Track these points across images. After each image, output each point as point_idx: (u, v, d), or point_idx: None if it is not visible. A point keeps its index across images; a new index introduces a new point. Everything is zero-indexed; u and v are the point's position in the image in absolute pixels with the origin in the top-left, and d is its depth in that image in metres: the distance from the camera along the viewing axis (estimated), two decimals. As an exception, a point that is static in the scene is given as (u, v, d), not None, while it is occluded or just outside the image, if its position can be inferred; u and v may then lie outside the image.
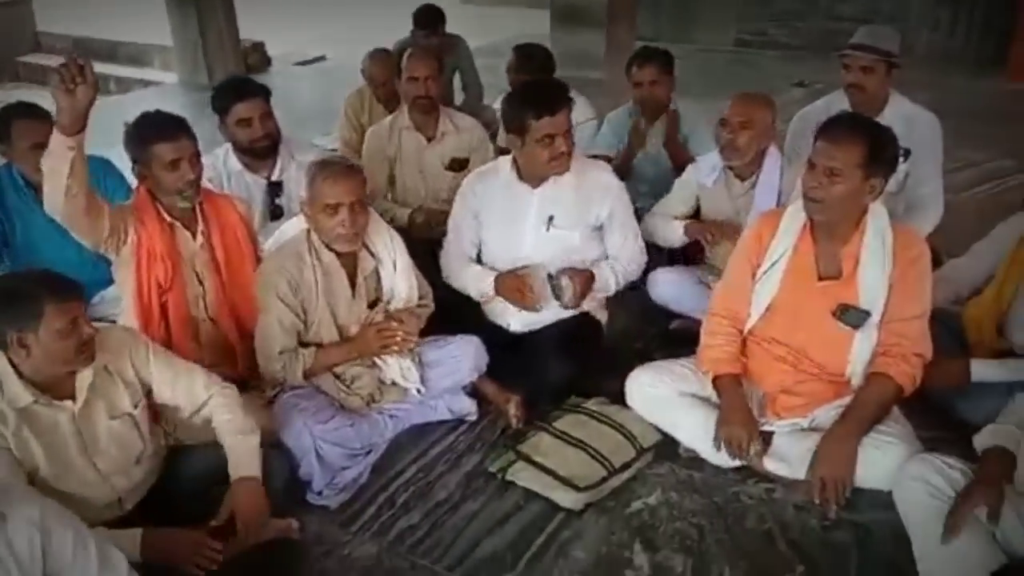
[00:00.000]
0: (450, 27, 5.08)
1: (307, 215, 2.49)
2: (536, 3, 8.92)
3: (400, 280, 2.68)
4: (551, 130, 2.63)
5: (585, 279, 2.77)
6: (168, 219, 2.50)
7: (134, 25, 9.51)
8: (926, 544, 1.98)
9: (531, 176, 2.79)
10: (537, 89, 2.72)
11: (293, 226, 2.67)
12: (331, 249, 2.52)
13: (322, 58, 8.55)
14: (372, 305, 2.67)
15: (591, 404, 2.68)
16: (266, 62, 8.15)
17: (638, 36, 6.15)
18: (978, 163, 4.86)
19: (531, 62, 3.93)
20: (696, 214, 3.20)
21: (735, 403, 2.42)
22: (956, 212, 3.85)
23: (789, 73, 6.99)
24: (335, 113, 4.72)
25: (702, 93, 5.44)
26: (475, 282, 2.89)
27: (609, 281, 2.85)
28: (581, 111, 4.07)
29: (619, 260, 2.88)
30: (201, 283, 2.58)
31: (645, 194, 3.71)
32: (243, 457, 2.20)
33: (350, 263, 2.58)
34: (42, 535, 1.59)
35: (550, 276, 2.78)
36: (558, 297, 2.78)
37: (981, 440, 2.06)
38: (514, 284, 2.79)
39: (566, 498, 2.36)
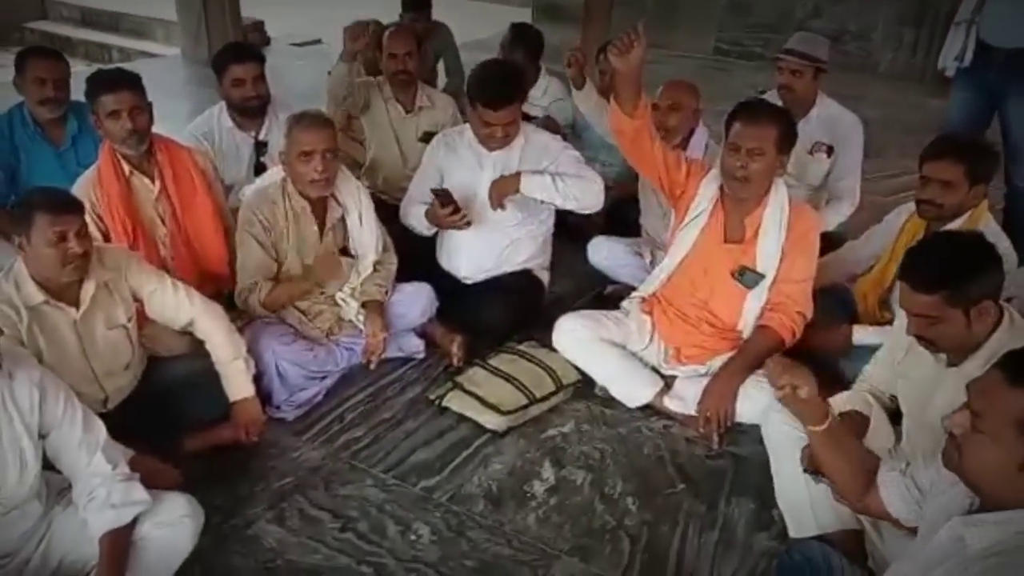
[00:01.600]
0: (438, 18, 5.41)
1: (284, 163, 2.83)
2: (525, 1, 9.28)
3: (365, 231, 3.00)
4: (492, 120, 2.96)
5: (502, 183, 3.01)
6: (126, 169, 2.81)
7: (138, -2, 9.81)
8: (780, 462, 2.34)
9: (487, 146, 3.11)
10: (486, 83, 2.98)
11: (271, 175, 3.02)
12: (304, 196, 2.85)
13: (318, 41, 8.87)
14: (339, 252, 2.99)
15: (523, 346, 3.05)
16: (265, 41, 8.45)
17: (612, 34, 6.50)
18: (912, 171, 5.22)
19: (521, 41, 4.35)
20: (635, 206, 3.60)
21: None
22: (881, 210, 4.20)
23: (755, 81, 7.36)
24: (324, 95, 5.04)
25: (671, 93, 5.78)
26: (418, 216, 3.20)
27: (539, 184, 2.99)
28: (553, 91, 4.46)
29: (568, 177, 3.01)
30: (164, 224, 2.90)
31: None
32: (236, 381, 2.59)
33: (320, 210, 2.91)
34: (40, 393, 1.94)
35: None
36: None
37: (837, 404, 2.31)
38: (433, 211, 3.07)
39: (491, 420, 2.73)
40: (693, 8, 8.43)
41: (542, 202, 3.12)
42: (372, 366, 2.97)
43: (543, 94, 4.48)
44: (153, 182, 2.87)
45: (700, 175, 2.82)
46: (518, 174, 3.03)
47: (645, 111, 2.72)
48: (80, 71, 3.42)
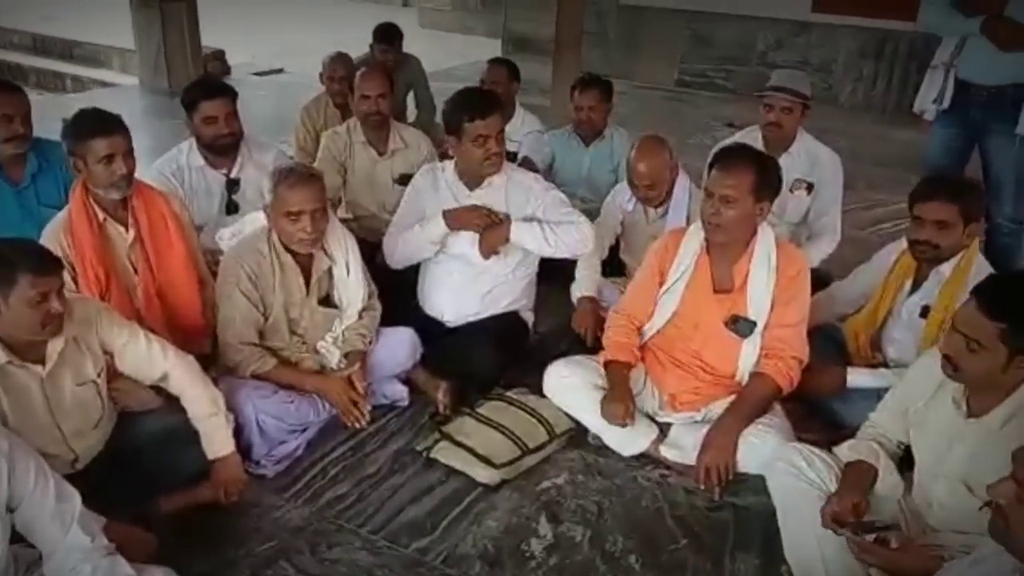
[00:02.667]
0: (409, 50, 5.36)
1: (270, 218, 2.71)
2: (494, 32, 9.27)
3: (352, 281, 2.89)
4: (484, 131, 2.89)
5: (492, 234, 2.96)
6: (100, 215, 2.67)
7: (95, 26, 9.61)
8: (788, 517, 2.28)
9: (469, 176, 3.04)
10: (471, 94, 2.98)
11: (254, 221, 2.88)
12: (289, 250, 2.73)
13: (280, 71, 8.76)
14: (323, 302, 2.88)
15: (512, 393, 2.95)
16: (226, 71, 8.34)
17: (585, 69, 6.52)
18: (885, 203, 5.29)
19: (499, 73, 4.39)
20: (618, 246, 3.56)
21: (618, 384, 2.70)
22: (859, 245, 4.23)
23: (723, 114, 7.42)
24: (289, 124, 4.95)
25: (643, 127, 5.80)
26: (421, 235, 3.06)
27: (528, 234, 2.96)
28: (529, 124, 4.43)
29: (556, 225, 2.98)
30: (137, 273, 2.75)
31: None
32: (215, 437, 2.45)
33: (306, 263, 2.79)
34: (8, 464, 1.79)
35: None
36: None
37: (842, 454, 2.30)
38: (466, 212, 2.99)
39: (483, 474, 2.62)
40: (656, 40, 8.51)
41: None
42: (361, 424, 2.84)
43: (520, 125, 4.43)
44: (127, 229, 2.73)
45: (676, 239, 2.79)
46: (507, 224, 2.97)
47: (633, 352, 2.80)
48: (33, 100, 3.26)
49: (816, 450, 2.35)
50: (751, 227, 2.64)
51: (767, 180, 2.58)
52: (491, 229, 2.97)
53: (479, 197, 3.04)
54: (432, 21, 11.41)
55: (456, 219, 3.01)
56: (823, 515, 2.08)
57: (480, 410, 2.86)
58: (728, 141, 3.77)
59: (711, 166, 2.63)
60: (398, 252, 3.17)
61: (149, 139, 5.92)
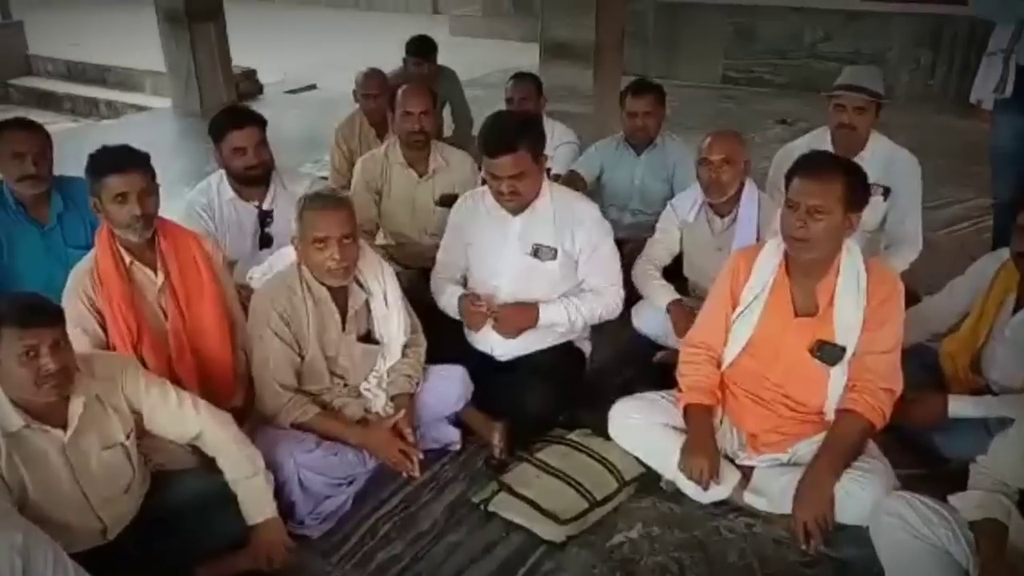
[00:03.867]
0: (441, 59, 5.15)
1: (297, 249, 2.51)
2: (527, 37, 9.05)
3: (392, 315, 2.68)
4: (494, 171, 2.67)
5: (518, 313, 2.78)
6: (127, 259, 2.49)
7: (126, 49, 9.59)
8: (901, 579, 2.01)
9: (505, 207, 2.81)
10: (489, 129, 2.72)
11: (285, 256, 2.69)
12: (322, 283, 2.53)
13: (312, 87, 8.62)
14: (363, 339, 2.68)
15: (574, 436, 2.71)
16: (257, 90, 8.21)
17: (626, 72, 6.25)
18: (958, 201, 4.96)
19: (527, 88, 4.13)
20: (679, 258, 3.27)
21: (700, 432, 2.45)
22: (935, 249, 3.93)
23: (772, 110, 7.11)
24: (323, 142, 4.77)
25: (688, 128, 5.52)
26: (450, 301, 2.91)
27: (558, 318, 2.80)
28: (560, 135, 4.19)
29: (585, 299, 2.83)
30: (167, 319, 2.57)
31: (630, 225, 3.80)
32: (254, 501, 2.26)
33: (341, 297, 2.59)
34: (23, 561, 1.60)
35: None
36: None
37: (967, 510, 2.01)
38: (462, 307, 2.84)
39: (548, 531, 2.38)
40: (697, 37, 8.22)
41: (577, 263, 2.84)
42: (413, 475, 2.60)
43: (549, 138, 4.18)
44: (156, 273, 2.55)
45: (750, 258, 2.52)
46: (535, 307, 2.79)
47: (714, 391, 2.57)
48: (67, 128, 3.10)
49: (926, 499, 2.07)
50: (838, 242, 2.36)
51: (857, 189, 2.31)
52: (517, 309, 2.79)
53: (524, 220, 2.81)
54: (463, 28, 11.21)
55: (463, 315, 2.86)
56: None
57: (540, 455, 2.62)
58: (796, 144, 3.52)
59: (792, 174, 2.36)
60: (441, 302, 2.97)
61: (184, 162, 5.82)
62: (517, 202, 2.74)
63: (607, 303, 2.85)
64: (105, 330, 2.51)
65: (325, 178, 4.53)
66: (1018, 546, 1.95)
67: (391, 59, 5.19)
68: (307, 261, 2.50)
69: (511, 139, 2.63)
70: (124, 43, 9.94)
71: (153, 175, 2.50)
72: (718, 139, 2.98)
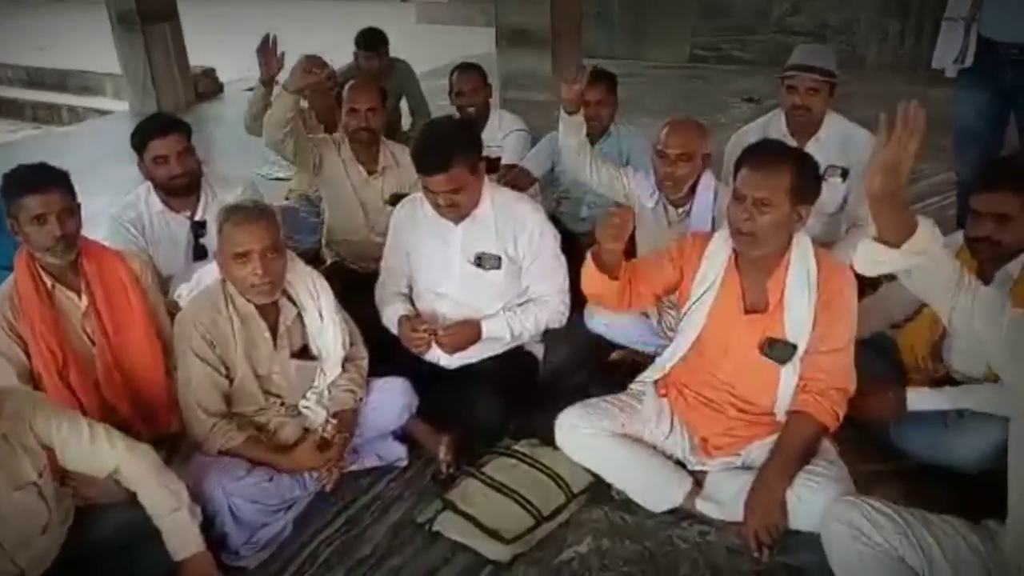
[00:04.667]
0: (405, 48, 5.01)
1: (219, 264, 2.40)
2: (491, 22, 8.86)
3: (328, 328, 2.57)
4: (430, 186, 2.56)
5: (461, 333, 2.68)
6: (48, 282, 2.39)
7: (88, 53, 9.38)
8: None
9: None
10: (421, 146, 2.59)
11: (212, 271, 2.58)
12: (248, 300, 2.42)
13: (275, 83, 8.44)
14: (298, 354, 2.57)
15: (521, 446, 2.60)
16: (217, 88, 8.03)
17: (589, 54, 6.10)
18: (925, 176, 4.85)
19: (473, 80, 3.99)
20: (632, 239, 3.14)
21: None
22: (903, 227, 3.82)
23: (740, 88, 6.98)
24: (287, 138, 4.61)
25: (657, 110, 5.41)
26: (392, 319, 2.81)
27: (501, 332, 2.71)
28: (508, 123, 4.07)
29: (528, 310, 2.73)
30: (94, 344, 2.46)
31: (586, 218, 3.71)
32: (177, 537, 2.15)
33: (271, 313, 2.47)
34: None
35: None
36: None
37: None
38: (403, 331, 2.75)
39: (492, 550, 2.28)
40: (663, 15, 8.04)
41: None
42: (328, 488, 2.51)
43: (499, 127, 4.06)
44: (80, 296, 2.43)
45: (701, 246, 2.41)
46: (477, 325, 2.69)
47: (624, 270, 2.40)
48: (29, 135, 2.99)
49: (878, 504, 1.98)
50: (787, 236, 2.26)
51: (806, 180, 2.20)
52: (459, 327, 2.69)
53: (466, 229, 2.69)
54: (430, 16, 11.02)
55: (400, 332, 2.76)
56: None
57: (485, 470, 2.52)
58: (749, 128, 3.41)
59: (739, 165, 2.25)
60: (384, 317, 2.85)
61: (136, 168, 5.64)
62: (456, 213, 2.63)
63: (551, 311, 2.74)
64: (30, 359, 2.40)
65: (281, 179, 4.41)
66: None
67: (347, 53, 5.03)
68: (230, 277, 2.38)
69: (445, 156, 2.50)
70: (85, 46, 9.73)
71: (73, 194, 2.39)
72: (675, 131, 2.84)
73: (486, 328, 2.68)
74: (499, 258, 2.68)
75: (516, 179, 3.68)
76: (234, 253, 2.30)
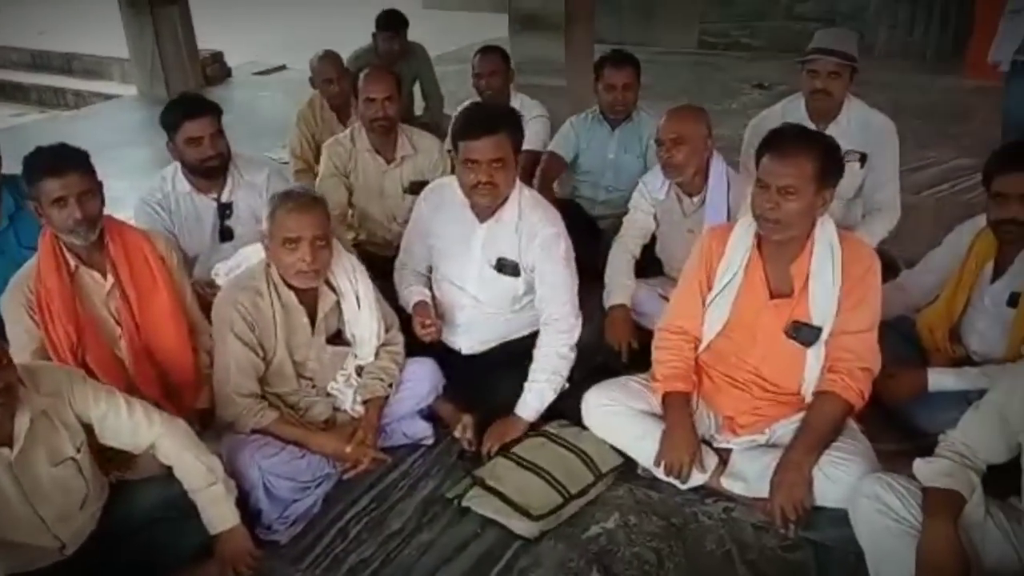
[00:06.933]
0: (412, 33, 5.01)
1: (266, 248, 2.42)
2: (498, 7, 8.85)
3: (363, 315, 2.59)
4: (472, 154, 2.50)
5: (507, 431, 2.61)
6: (72, 263, 2.40)
7: (93, 37, 9.35)
8: (880, 562, 1.96)
9: (474, 204, 2.66)
10: (469, 113, 2.59)
11: (251, 254, 2.59)
12: (290, 285, 2.44)
13: (283, 67, 8.43)
14: (332, 340, 2.60)
15: (550, 427, 2.63)
16: (225, 73, 8.02)
17: (599, 40, 6.11)
18: (937, 162, 4.88)
19: (495, 61, 4.00)
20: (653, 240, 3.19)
21: (679, 424, 2.38)
22: (915, 212, 3.87)
23: (751, 74, 7.00)
24: (294, 125, 4.64)
25: (667, 96, 5.42)
26: (408, 301, 2.83)
27: (547, 399, 2.64)
28: (529, 108, 4.08)
29: (549, 357, 2.64)
30: (119, 324, 2.48)
31: (604, 202, 3.72)
32: (215, 510, 2.19)
33: (310, 299, 2.50)
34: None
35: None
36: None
37: (933, 476, 1.96)
38: (414, 320, 2.75)
39: (521, 526, 2.32)
40: (673, 2, 8.04)
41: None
42: (347, 476, 2.55)
43: (519, 110, 4.07)
44: (105, 276, 2.45)
45: (723, 236, 2.43)
46: (519, 421, 2.63)
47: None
48: (34, 120, 2.99)
49: (904, 481, 2.02)
50: (811, 220, 2.28)
51: (830, 165, 2.22)
52: (503, 426, 2.63)
53: (489, 231, 2.68)
54: (438, 1, 10.99)
55: (414, 327, 2.75)
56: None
57: (515, 449, 2.54)
58: (767, 113, 3.42)
59: (762, 152, 2.26)
60: (402, 297, 2.87)
61: (150, 151, 5.66)
62: (492, 196, 2.57)
63: (569, 339, 2.67)
64: (51, 339, 2.41)
65: (287, 163, 4.43)
66: (965, 522, 1.90)
67: (363, 34, 5.04)
68: (276, 262, 2.40)
69: (494, 120, 2.51)
70: (90, 29, 9.70)
71: (94, 174, 2.39)
72: (671, 117, 2.86)
73: (530, 413, 2.63)
74: (518, 266, 2.68)
75: (549, 165, 3.69)
76: (285, 238, 2.32)
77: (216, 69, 7.84)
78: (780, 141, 2.25)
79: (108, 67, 8.78)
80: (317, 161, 4.23)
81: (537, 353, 2.66)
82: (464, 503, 2.43)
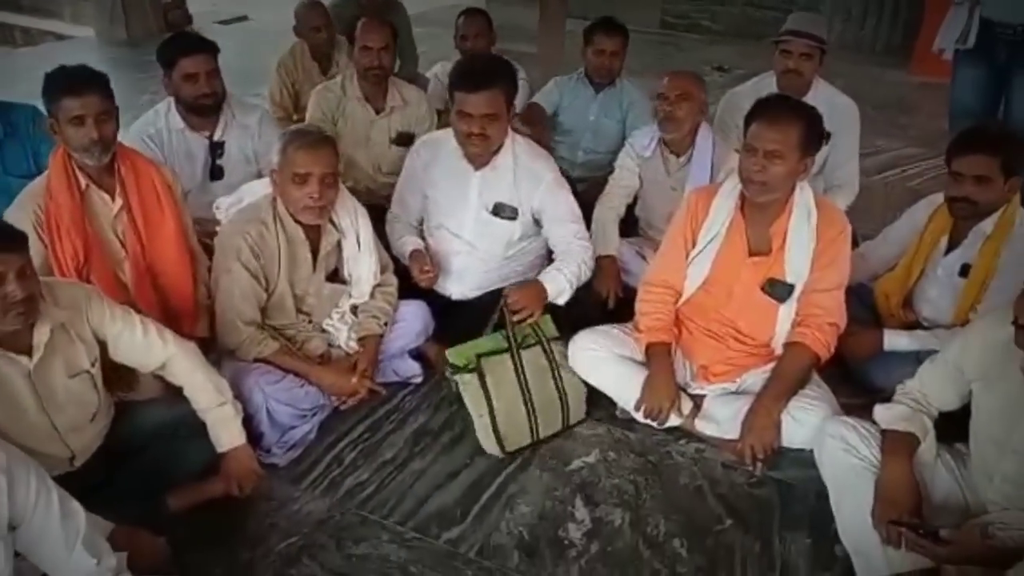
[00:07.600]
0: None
1: (275, 183, 2.49)
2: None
3: (363, 256, 2.69)
4: (467, 107, 2.62)
5: (529, 296, 2.64)
6: (83, 182, 2.44)
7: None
8: (842, 496, 2.16)
9: (467, 152, 2.79)
10: (466, 65, 2.70)
11: (254, 190, 2.65)
12: (296, 220, 2.52)
13: (244, 18, 8.33)
14: (330, 277, 2.69)
15: (558, 353, 2.67)
16: (187, 20, 7.89)
17: (569, 14, 6.24)
18: (886, 149, 5.17)
19: (479, 24, 4.11)
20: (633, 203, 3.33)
21: (661, 372, 2.54)
22: (867, 192, 4.10)
23: (711, 56, 7.20)
24: (257, 76, 4.66)
25: (632, 71, 5.54)
26: (402, 251, 2.93)
27: (564, 287, 2.73)
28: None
29: (568, 264, 2.76)
30: (124, 246, 2.53)
31: (583, 163, 3.86)
32: (223, 429, 2.27)
33: (314, 236, 2.58)
34: (8, 479, 1.60)
35: (503, 296, 2.63)
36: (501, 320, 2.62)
37: (890, 420, 2.17)
38: (412, 267, 2.84)
39: (490, 447, 2.50)
40: (635, -21, 8.18)
41: (536, 223, 2.88)
42: (343, 407, 2.68)
43: None
44: (113, 199, 2.49)
45: (708, 197, 2.60)
46: (542, 288, 2.70)
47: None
48: None
49: (867, 424, 2.23)
50: (792, 184, 2.46)
51: (813, 134, 2.40)
52: (525, 290, 2.66)
53: (484, 178, 2.81)
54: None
55: (413, 274, 2.85)
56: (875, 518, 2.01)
57: (525, 354, 2.59)
58: (740, 90, 3.60)
59: (750, 119, 2.43)
60: (395, 248, 2.97)
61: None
62: (484, 147, 2.70)
63: (583, 260, 2.81)
64: (56, 256, 2.43)
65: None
66: (918, 462, 2.13)
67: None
68: (285, 196, 2.47)
69: (489, 74, 2.62)
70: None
71: (112, 98, 2.43)
72: (676, 76, 3.06)
73: (549, 289, 2.71)
74: (516, 210, 2.81)
75: (530, 114, 3.80)
76: (294, 174, 2.40)
77: (178, 15, 7.71)
78: (769, 109, 2.42)
79: (60, 6, 8.56)
80: (296, 110, 4.30)
81: (561, 257, 2.80)
82: (458, 383, 2.53)
